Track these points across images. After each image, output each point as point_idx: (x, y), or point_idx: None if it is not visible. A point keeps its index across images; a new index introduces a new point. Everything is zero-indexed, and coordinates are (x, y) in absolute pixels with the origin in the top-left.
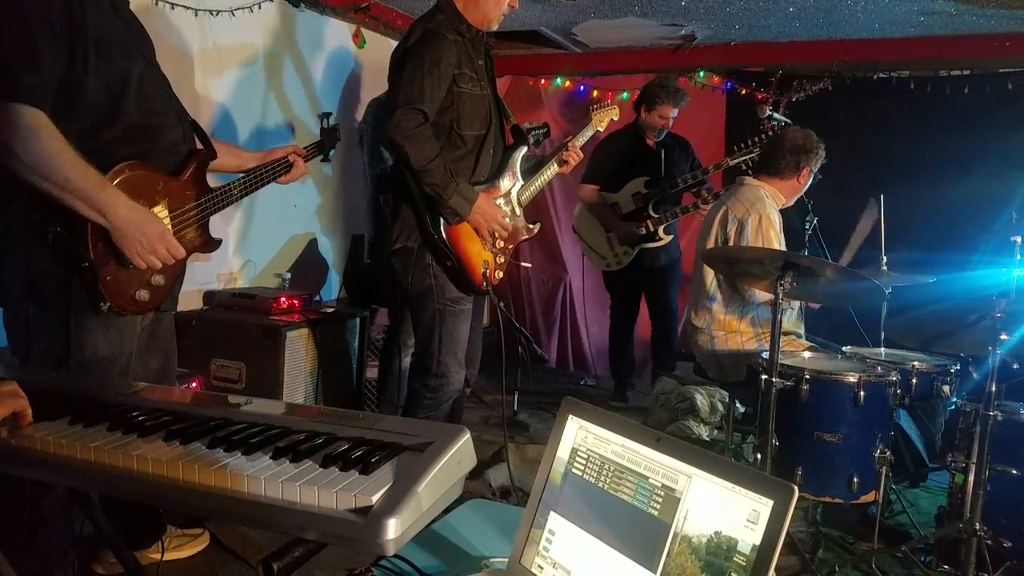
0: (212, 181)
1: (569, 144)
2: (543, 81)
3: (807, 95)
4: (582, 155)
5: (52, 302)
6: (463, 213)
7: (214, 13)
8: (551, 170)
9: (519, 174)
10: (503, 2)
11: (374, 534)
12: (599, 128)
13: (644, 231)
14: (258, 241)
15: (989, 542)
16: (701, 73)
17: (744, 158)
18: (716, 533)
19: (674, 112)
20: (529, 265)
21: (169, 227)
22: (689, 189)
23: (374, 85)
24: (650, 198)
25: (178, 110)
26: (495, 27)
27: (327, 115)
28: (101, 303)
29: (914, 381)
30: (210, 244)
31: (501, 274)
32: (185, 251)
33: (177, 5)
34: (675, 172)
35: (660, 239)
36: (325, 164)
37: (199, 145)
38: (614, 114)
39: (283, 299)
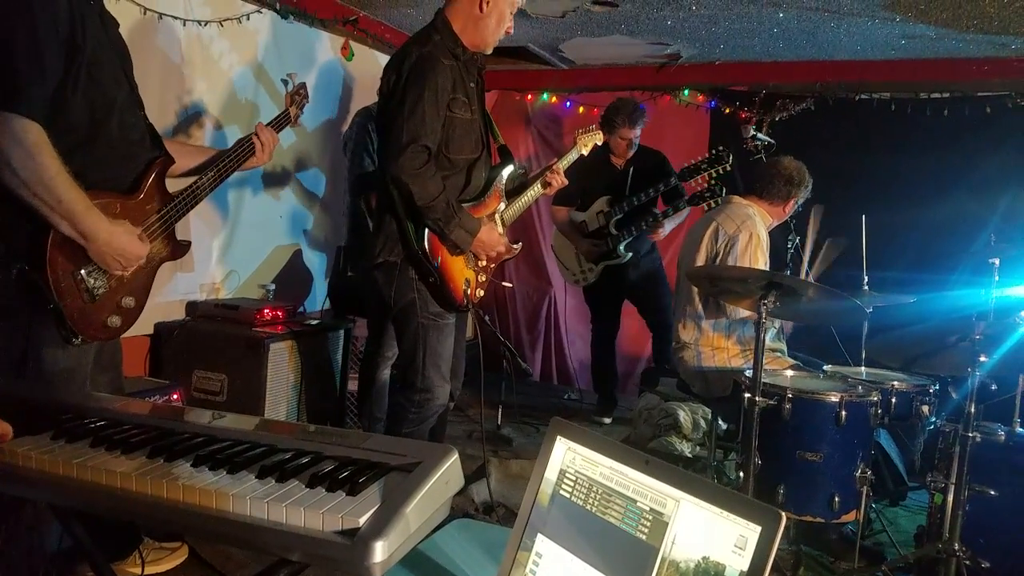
0: (181, 185)
1: (554, 167)
2: (529, 96)
3: (790, 115)
4: (567, 180)
5: (12, 310)
6: (464, 246)
7: (202, 23)
8: (535, 191)
9: (504, 194)
10: (501, 28)
11: (361, 557)
12: (583, 152)
13: (605, 248)
14: (242, 252)
15: (968, 562)
16: (686, 91)
17: (708, 190)
18: (704, 558)
19: (635, 132)
20: (510, 284)
21: None
22: (646, 207)
23: (362, 97)
24: (610, 216)
25: (152, 135)
26: (490, 51)
27: (291, 76)
28: (73, 338)
29: (894, 401)
30: (178, 250)
31: (482, 292)
32: (155, 263)
33: (165, 15)
34: (640, 190)
35: (618, 256)
36: (313, 172)
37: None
38: (598, 139)
39: (267, 310)
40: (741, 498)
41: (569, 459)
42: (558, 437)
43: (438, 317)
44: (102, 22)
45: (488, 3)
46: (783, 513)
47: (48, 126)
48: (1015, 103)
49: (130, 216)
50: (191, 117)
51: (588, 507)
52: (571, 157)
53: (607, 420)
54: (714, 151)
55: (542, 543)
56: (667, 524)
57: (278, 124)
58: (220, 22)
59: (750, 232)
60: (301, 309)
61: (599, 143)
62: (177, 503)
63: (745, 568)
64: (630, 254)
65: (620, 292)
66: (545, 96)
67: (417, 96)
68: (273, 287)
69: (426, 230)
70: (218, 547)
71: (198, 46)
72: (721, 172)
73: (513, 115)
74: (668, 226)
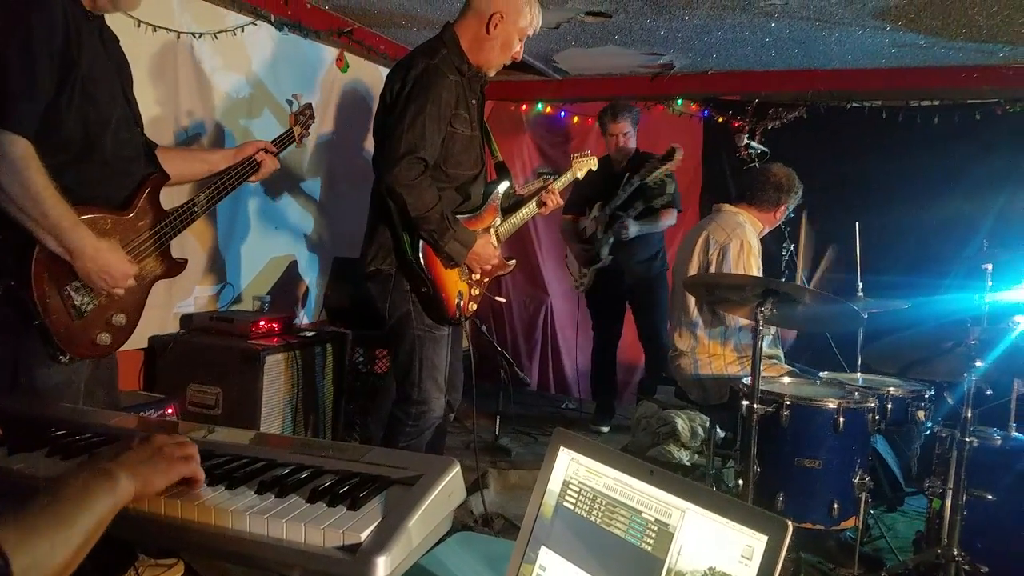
0: (184, 193)
1: (550, 187)
2: (524, 106)
3: (783, 123)
4: (562, 201)
5: (1, 327)
6: (459, 258)
7: (197, 36)
8: (530, 209)
9: (499, 209)
10: (507, 53)
11: (363, 573)
12: (578, 175)
13: (592, 252)
14: (237, 263)
15: (967, 567)
16: (679, 101)
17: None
18: (711, 569)
19: (625, 128)
20: (504, 300)
21: None
22: (624, 208)
23: (357, 109)
24: (600, 220)
25: (147, 150)
26: (492, 74)
27: (296, 96)
28: (61, 356)
29: (889, 407)
30: (173, 268)
31: (475, 306)
32: (147, 280)
33: (159, 27)
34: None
35: (600, 260)
36: (309, 182)
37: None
38: (592, 164)
39: (262, 322)
40: (747, 508)
41: (572, 470)
42: (561, 448)
43: (433, 329)
44: (101, 38)
45: (496, 26)
46: (790, 522)
47: (39, 141)
48: (1004, 110)
49: (121, 233)
50: (186, 131)
51: (592, 519)
52: (566, 178)
53: (605, 428)
54: (667, 150)
55: (546, 555)
56: (673, 535)
57: (281, 143)
58: (215, 35)
59: (740, 240)
60: (297, 321)
61: (593, 168)
62: (175, 519)
63: None
64: (611, 257)
65: (619, 298)
66: (540, 106)
67: (419, 108)
68: (268, 299)
69: (421, 241)
70: (215, 563)
71: (193, 58)
72: (673, 169)
73: (508, 125)
74: (633, 228)
